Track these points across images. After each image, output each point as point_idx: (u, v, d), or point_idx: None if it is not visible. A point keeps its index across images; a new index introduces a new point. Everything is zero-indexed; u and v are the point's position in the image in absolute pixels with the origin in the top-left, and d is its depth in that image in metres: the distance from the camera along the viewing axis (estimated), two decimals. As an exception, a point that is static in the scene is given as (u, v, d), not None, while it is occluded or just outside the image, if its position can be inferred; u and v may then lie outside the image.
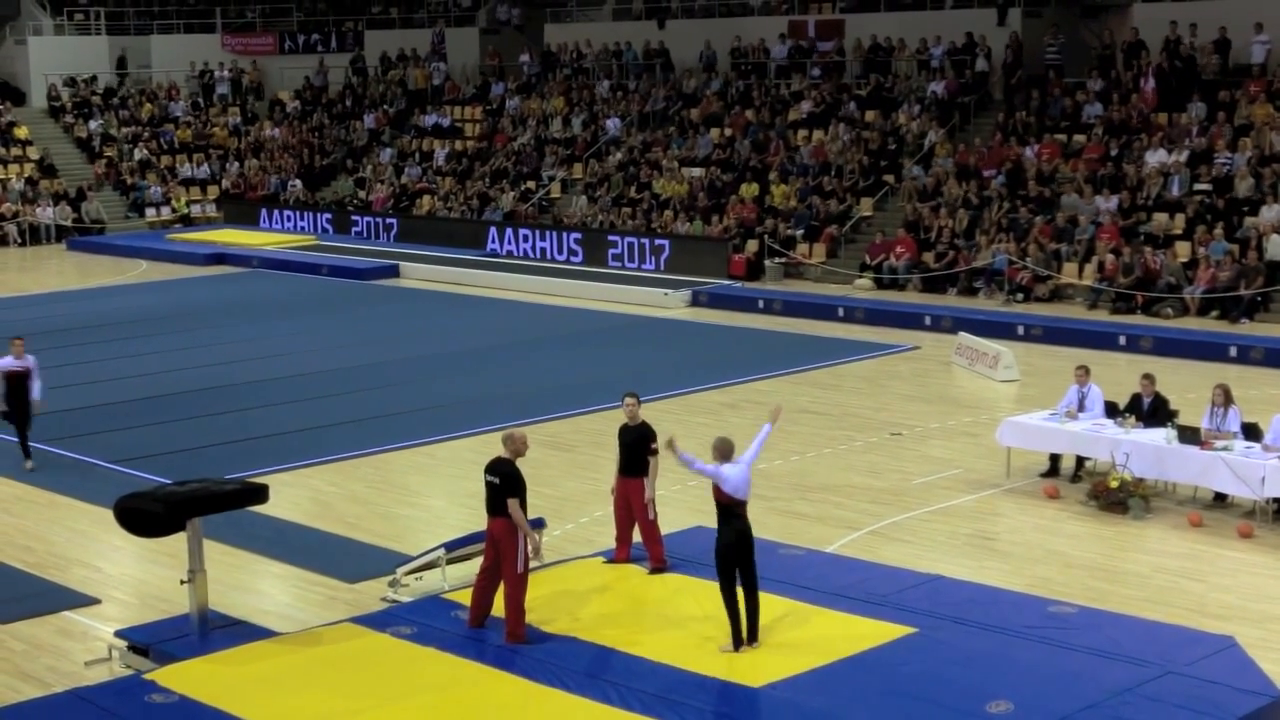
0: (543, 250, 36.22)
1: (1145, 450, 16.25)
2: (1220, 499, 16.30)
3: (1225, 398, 16.43)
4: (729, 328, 28.18)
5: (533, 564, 13.84)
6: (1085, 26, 37.52)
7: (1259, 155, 30.22)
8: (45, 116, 48.92)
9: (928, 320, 27.33)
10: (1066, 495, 16.77)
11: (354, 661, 11.87)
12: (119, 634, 12.84)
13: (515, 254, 36.66)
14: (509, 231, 37.37)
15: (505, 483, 12.08)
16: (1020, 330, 26.09)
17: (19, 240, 42.76)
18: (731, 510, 11.85)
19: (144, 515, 12.48)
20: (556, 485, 17.53)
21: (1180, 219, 29.66)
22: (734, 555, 11.80)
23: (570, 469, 18.32)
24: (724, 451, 11.97)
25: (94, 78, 50.05)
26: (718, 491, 11.87)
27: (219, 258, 38.81)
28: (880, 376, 23.53)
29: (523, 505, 12.08)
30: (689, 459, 12.04)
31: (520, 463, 12.17)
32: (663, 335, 27.70)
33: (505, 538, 12.08)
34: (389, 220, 40.81)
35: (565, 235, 36.03)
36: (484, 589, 12.40)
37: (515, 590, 12.08)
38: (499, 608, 12.27)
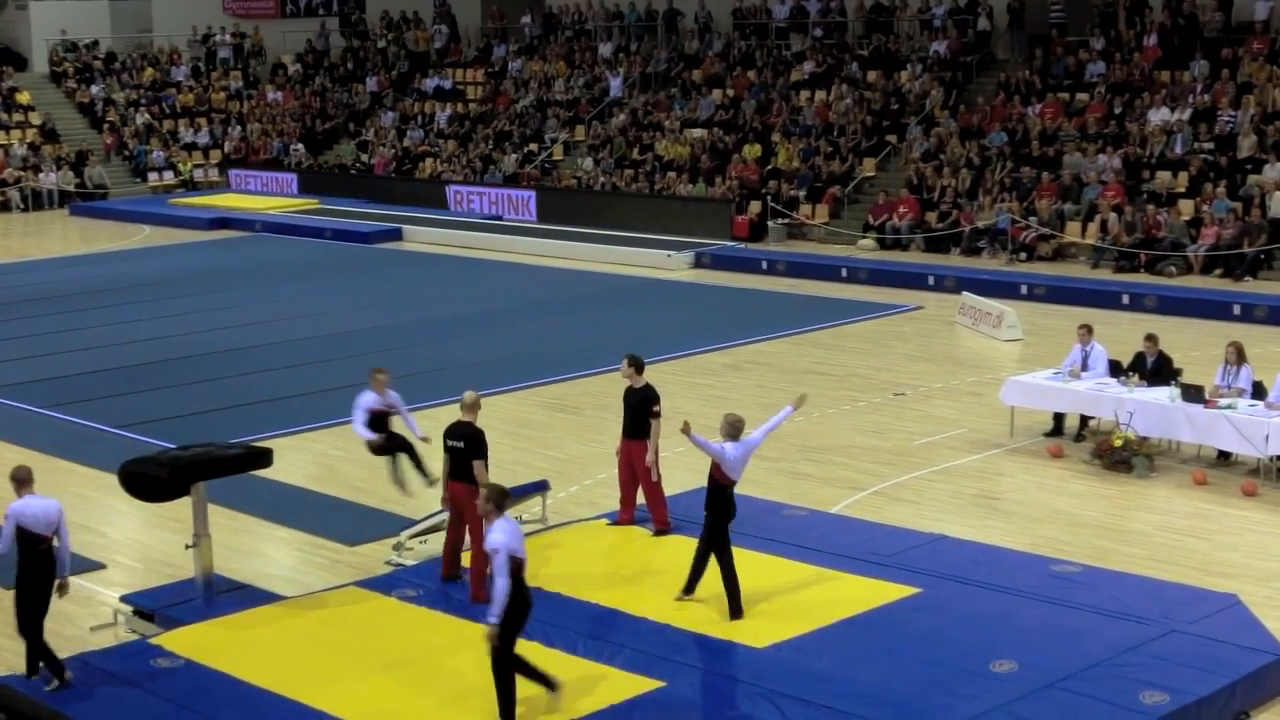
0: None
1: (1149, 409, 16.22)
2: (1224, 457, 16.29)
3: (1238, 355, 16.43)
4: (732, 289, 28.14)
5: (537, 527, 13.89)
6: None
7: (1261, 113, 30.10)
8: (47, 81, 48.74)
9: (931, 280, 27.28)
10: (1070, 454, 16.76)
11: (358, 625, 11.91)
12: (124, 599, 12.88)
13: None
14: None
15: (470, 445, 12.14)
16: (1023, 289, 26.05)
17: (21, 205, 42.69)
18: (723, 490, 11.84)
19: (149, 480, 12.50)
20: (561, 447, 17.52)
21: (1183, 177, 29.56)
22: (724, 528, 11.85)
23: (575, 431, 18.30)
24: (732, 430, 11.90)
25: (95, 42, 49.85)
26: (716, 469, 11.82)
27: (222, 222, 38.75)
28: (883, 337, 23.51)
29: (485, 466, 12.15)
30: (700, 441, 11.85)
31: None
32: (666, 297, 27.65)
33: (468, 502, 12.09)
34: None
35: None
36: (453, 544, 12.67)
37: (480, 554, 12.11)
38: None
